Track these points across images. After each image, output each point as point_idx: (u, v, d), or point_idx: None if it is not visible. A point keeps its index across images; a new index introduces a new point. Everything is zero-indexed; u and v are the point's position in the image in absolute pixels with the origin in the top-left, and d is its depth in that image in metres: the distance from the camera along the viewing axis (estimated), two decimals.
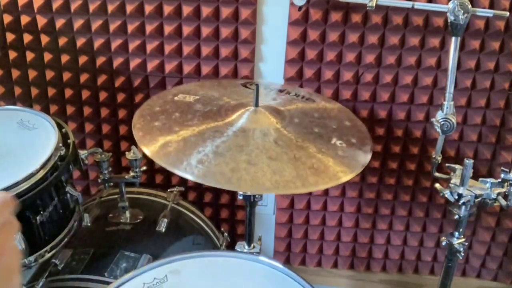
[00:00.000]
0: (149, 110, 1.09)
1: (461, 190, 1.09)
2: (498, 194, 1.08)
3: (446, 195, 1.11)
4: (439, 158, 1.18)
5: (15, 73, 1.47)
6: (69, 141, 1.14)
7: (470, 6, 1.02)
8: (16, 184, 0.99)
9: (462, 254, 1.16)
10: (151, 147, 0.95)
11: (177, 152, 0.93)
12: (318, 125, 1.06)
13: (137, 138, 0.99)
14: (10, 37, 1.41)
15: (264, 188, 0.86)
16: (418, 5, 1.14)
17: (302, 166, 0.91)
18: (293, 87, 1.29)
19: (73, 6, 1.35)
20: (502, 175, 1.08)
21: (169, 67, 1.41)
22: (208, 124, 1.01)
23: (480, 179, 1.10)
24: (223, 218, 1.65)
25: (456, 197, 1.10)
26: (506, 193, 1.08)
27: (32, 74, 1.46)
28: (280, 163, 0.91)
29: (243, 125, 1.01)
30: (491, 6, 1.25)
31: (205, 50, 1.38)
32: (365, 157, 0.98)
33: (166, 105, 1.11)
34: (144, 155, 1.18)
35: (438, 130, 1.11)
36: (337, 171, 0.91)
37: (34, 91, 1.49)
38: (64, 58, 1.43)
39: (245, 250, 1.15)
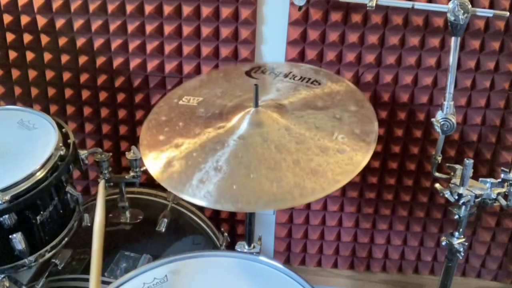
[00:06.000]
0: (155, 121, 1.10)
1: (461, 190, 1.09)
2: (498, 194, 1.08)
3: (446, 195, 1.11)
4: (439, 158, 1.18)
5: (15, 73, 1.47)
6: (69, 141, 1.14)
7: (470, 6, 1.02)
8: (16, 184, 0.99)
9: (462, 254, 1.16)
10: (156, 167, 0.96)
11: (180, 173, 0.93)
12: (320, 118, 1.05)
13: (143, 155, 1.00)
14: (10, 37, 1.41)
15: (262, 205, 0.87)
16: (418, 5, 1.14)
17: (300, 173, 0.91)
18: (299, 68, 1.26)
19: (73, 6, 1.35)
20: (502, 175, 1.08)
21: (169, 67, 1.41)
22: (210, 133, 1.01)
23: (480, 179, 1.10)
24: (223, 218, 1.65)
25: (456, 197, 1.10)
26: (506, 193, 1.08)
27: (32, 74, 1.46)
28: (278, 172, 0.91)
29: (244, 131, 1.01)
30: (491, 6, 1.25)
31: (205, 50, 1.38)
32: (366, 153, 0.97)
33: (171, 112, 1.11)
34: None
35: (438, 130, 1.11)
36: (336, 174, 0.91)
37: (34, 91, 1.49)
38: (64, 58, 1.43)
39: (245, 250, 1.15)
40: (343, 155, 0.95)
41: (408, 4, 1.15)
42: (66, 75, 1.46)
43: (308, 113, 1.06)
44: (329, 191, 0.90)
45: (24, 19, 1.38)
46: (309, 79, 1.20)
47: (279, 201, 0.87)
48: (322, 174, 0.91)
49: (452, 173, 1.13)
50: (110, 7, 1.34)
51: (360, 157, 0.95)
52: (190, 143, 1.00)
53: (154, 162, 0.97)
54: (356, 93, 1.14)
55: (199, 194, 0.88)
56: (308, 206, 1.58)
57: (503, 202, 1.08)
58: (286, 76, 1.22)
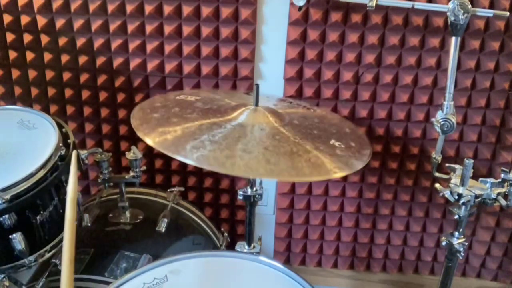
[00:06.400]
0: (149, 104, 1.09)
1: (461, 190, 1.09)
2: (498, 194, 1.08)
3: (446, 195, 1.11)
4: (439, 158, 1.18)
5: (15, 73, 1.47)
6: (69, 141, 1.14)
7: (470, 6, 1.02)
8: (16, 184, 0.99)
9: (462, 254, 1.16)
10: (149, 135, 0.94)
11: (173, 139, 0.92)
12: (317, 128, 1.06)
13: (134, 126, 0.98)
14: (10, 37, 1.41)
15: (258, 174, 0.86)
16: (418, 5, 1.14)
17: (298, 159, 0.90)
18: (294, 100, 1.31)
19: (73, 6, 1.35)
20: (502, 175, 1.08)
21: (169, 67, 1.41)
22: (208, 119, 1.00)
23: (480, 179, 1.10)
24: (223, 218, 1.65)
25: (456, 197, 1.10)
26: (506, 193, 1.08)
27: (32, 74, 1.46)
28: (276, 154, 0.90)
29: (242, 121, 1.01)
30: (491, 6, 1.25)
31: (205, 50, 1.38)
32: (363, 158, 0.98)
33: (167, 101, 1.11)
34: (144, 155, 1.18)
35: (438, 130, 1.11)
36: (333, 167, 0.91)
37: (34, 91, 1.49)
38: (64, 58, 1.43)
39: (245, 250, 1.15)
40: (341, 154, 0.95)
41: (408, 4, 1.15)
42: (66, 75, 1.46)
43: (305, 123, 1.07)
44: (326, 177, 0.90)
45: (24, 19, 1.38)
46: (305, 106, 1.22)
47: (276, 175, 0.87)
48: (320, 165, 0.90)
49: (452, 173, 1.13)
50: (110, 7, 1.34)
51: (356, 161, 0.96)
52: (187, 123, 0.98)
53: (146, 131, 0.95)
54: (350, 124, 1.16)
55: (192, 156, 0.87)
56: (308, 206, 1.58)
57: (503, 202, 1.08)
58: (282, 101, 1.25)
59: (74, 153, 0.89)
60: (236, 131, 0.97)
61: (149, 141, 0.92)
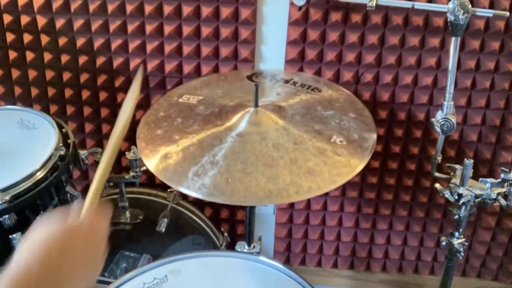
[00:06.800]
0: (153, 116, 1.10)
1: (461, 190, 1.09)
2: (498, 194, 1.08)
3: (446, 195, 1.11)
4: (439, 158, 1.18)
5: (15, 73, 1.47)
6: (69, 141, 1.14)
7: (470, 6, 1.02)
8: (16, 184, 0.99)
9: (462, 254, 1.16)
10: (152, 159, 0.97)
11: (176, 165, 0.94)
12: (320, 121, 1.05)
13: (140, 148, 1.01)
14: (10, 37, 1.41)
15: (257, 199, 0.87)
16: (418, 5, 1.14)
17: (297, 171, 0.91)
18: (299, 76, 1.29)
19: (73, 6, 1.35)
20: (502, 175, 1.08)
21: (169, 67, 1.41)
22: (208, 130, 1.02)
23: (480, 179, 1.10)
24: (223, 218, 1.65)
25: (456, 197, 1.10)
26: (506, 193, 1.08)
27: (32, 74, 1.46)
28: (275, 169, 0.92)
29: (242, 129, 1.01)
30: (491, 6, 1.25)
31: (205, 50, 1.38)
32: (364, 153, 0.98)
33: (170, 108, 1.12)
34: None
35: (438, 130, 1.11)
36: (333, 174, 0.91)
37: (34, 91, 1.49)
38: (64, 58, 1.43)
39: (245, 250, 1.15)
40: (341, 157, 0.95)
41: (408, 4, 1.15)
42: (66, 75, 1.46)
43: (307, 116, 1.07)
44: (325, 190, 0.90)
45: (24, 19, 1.38)
46: (309, 86, 1.21)
47: (274, 197, 0.88)
48: (319, 173, 0.91)
49: (452, 173, 1.13)
50: (110, 7, 1.34)
51: (358, 160, 0.95)
52: (188, 138, 1.00)
53: (150, 155, 0.97)
54: (356, 102, 1.16)
55: (194, 187, 0.89)
56: (308, 206, 1.58)
57: (503, 202, 1.08)
58: (286, 82, 1.23)
59: (140, 69, 0.92)
60: (236, 144, 0.98)
61: (152, 168, 0.95)
